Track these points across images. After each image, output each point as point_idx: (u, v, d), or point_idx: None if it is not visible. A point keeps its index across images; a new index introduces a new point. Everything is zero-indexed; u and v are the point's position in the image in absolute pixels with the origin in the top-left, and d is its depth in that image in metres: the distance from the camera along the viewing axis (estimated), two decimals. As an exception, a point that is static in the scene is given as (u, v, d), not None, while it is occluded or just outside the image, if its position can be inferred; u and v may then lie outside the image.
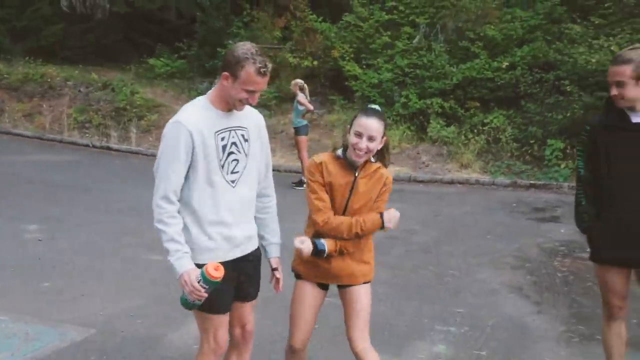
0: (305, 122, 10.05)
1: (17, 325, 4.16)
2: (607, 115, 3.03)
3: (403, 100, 12.54)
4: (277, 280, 2.89)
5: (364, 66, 13.50)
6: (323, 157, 2.86)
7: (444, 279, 5.51)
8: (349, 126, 2.81)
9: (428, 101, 12.32)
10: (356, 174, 2.81)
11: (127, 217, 7.29)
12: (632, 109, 2.91)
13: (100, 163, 11.36)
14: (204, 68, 15.35)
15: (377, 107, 2.86)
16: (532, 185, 10.26)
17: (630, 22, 11.73)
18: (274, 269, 2.87)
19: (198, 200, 2.56)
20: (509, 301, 5.02)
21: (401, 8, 14.12)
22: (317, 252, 2.76)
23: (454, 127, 12.08)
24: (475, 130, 11.82)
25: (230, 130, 2.61)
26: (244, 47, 2.50)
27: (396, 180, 10.70)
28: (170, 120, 2.58)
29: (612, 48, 10.58)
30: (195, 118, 2.54)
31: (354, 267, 2.87)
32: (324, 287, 2.95)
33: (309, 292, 2.89)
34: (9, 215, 7.15)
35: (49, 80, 14.97)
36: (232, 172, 2.62)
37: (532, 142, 11.31)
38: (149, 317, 4.40)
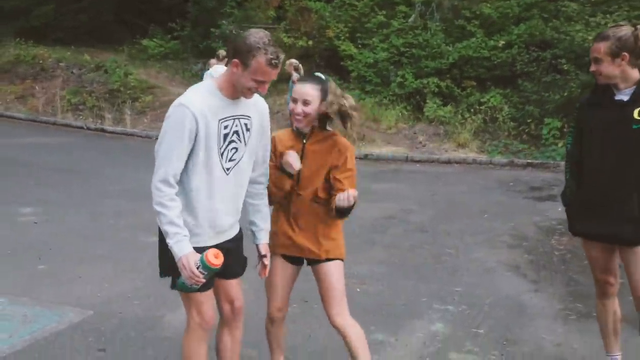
0: (300, 102, 10.01)
1: (14, 307, 4.16)
2: (594, 93, 3.06)
3: (399, 79, 12.50)
4: (265, 266, 2.89)
5: (360, 46, 13.42)
6: (279, 131, 2.98)
7: (441, 258, 5.53)
8: None
9: (424, 81, 12.28)
10: (304, 141, 2.84)
11: (123, 199, 7.27)
12: (617, 86, 2.92)
13: (95, 145, 11.31)
14: (198, 49, 15.24)
15: (319, 74, 2.91)
16: (529, 164, 10.28)
17: (628, -1, 11.69)
18: (263, 256, 2.86)
19: (196, 186, 2.55)
20: (506, 280, 5.04)
21: (397, -14, 14.03)
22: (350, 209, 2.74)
23: (451, 106, 12.07)
24: (472, 110, 11.81)
25: (234, 119, 2.58)
26: (257, 36, 2.44)
27: (393, 160, 10.76)
28: (175, 102, 2.52)
29: (609, 26, 10.54)
30: (201, 102, 2.49)
31: (316, 241, 2.89)
32: (293, 261, 2.98)
33: (275, 265, 2.95)
34: (4, 198, 7.11)
35: (40, 61, 14.85)
36: (230, 160, 2.60)
37: (529, 121, 11.32)
38: (147, 298, 4.41)
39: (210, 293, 2.73)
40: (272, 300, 3.02)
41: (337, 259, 2.95)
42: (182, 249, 2.49)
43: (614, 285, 3.18)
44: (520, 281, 5.02)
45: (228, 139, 2.56)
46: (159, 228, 2.61)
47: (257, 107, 2.68)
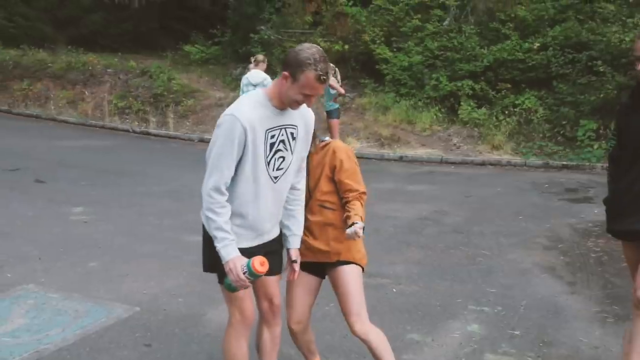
0: (337, 105, 10.01)
1: (67, 302, 4.28)
2: (632, 95, 2.98)
3: (434, 82, 12.39)
4: (294, 271, 2.86)
5: (395, 49, 13.34)
6: None
7: (476, 259, 5.46)
8: None
9: (459, 83, 12.14)
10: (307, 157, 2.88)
11: (167, 199, 7.40)
12: None
13: (140, 148, 11.53)
14: (238, 54, 15.38)
15: None
16: (564, 166, 10.07)
17: (667, -1, 11.32)
18: (293, 261, 2.85)
19: (242, 193, 2.58)
20: (541, 281, 4.95)
21: (431, -10, 13.88)
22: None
23: (485, 108, 11.90)
24: (507, 112, 11.63)
25: (281, 129, 2.60)
26: (309, 52, 2.46)
27: (427, 161, 10.65)
28: (227, 111, 2.55)
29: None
30: (250, 112, 2.52)
31: (327, 245, 2.89)
32: (313, 271, 2.97)
33: (303, 276, 2.93)
34: (56, 198, 7.32)
35: (90, 68, 15.21)
36: (277, 169, 2.63)
37: (564, 123, 11.08)
38: (190, 296, 4.48)
39: (251, 291, 2.76)
40: (291, 312, 3.00)
41: (352, 264, 2.90)
42: (229, 252, 2.54)
43: None
44: (556, 283, 4.91)
45: (275, 148, 2.59)
46: (203, 227, 2.66)
47: (303, 115, 2.69)
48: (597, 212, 6.98)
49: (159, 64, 15.21)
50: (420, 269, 5.18)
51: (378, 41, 13.44)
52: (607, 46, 11.07)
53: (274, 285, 2.87)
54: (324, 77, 2.45)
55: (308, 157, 2.86)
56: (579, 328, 4.05)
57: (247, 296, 2.74)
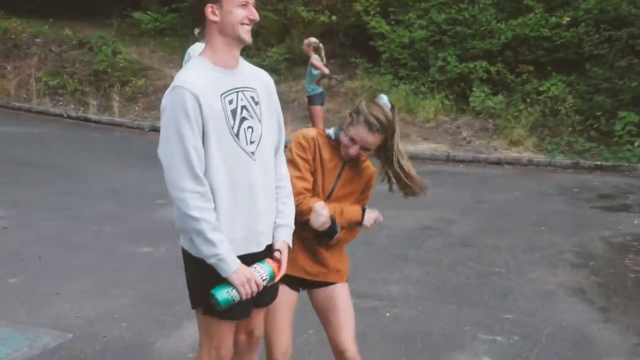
0: (320, 89, 10.03)
1: (-21, 327, 4.23)
2: None
3: (440, 63, 12.48)
4: (277, 263, 2.69)
5: (393, 22, 13.42)
6: (313, 132, 3.05)
7: (488, 279, 5.51)
8: (349, 116, 2.95)
9: (470, 65, 12.24)
10: (345, 159, 3.01)
11: (108, 201, 7.36)
12: None
13: (76, 137, 11.45)
14: (200, 23, 15.35)
15: (386, 102, 2.97)
16: (597, 167, 10.20)
17: None
18: (274, 250, 2.69)
19: (217, 184, 2.52)
20: (568, 306, 4.99)
21: (439, -49, 13.99)
22: (330, 232, 2.90)
23: (502, 96, 12.02)
24: (528, 100, 11.75)
25: (237, 92, 2.59)
26: None
27: (431, 159, 10.73)
28: (168, 89, 2.53)
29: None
30: (198, 80, 2.51)
31: (342, 264, 3.13)
32: (294, 287, 3.04)
33: (283, 292, 2.93)
34: (-31, 199, 7.25)
35: (13, 36, 15.06)
36: (251, 142, 2.59)
37: (598, 114, 11.22)
38: (136, 320, 4.44)
39: (233, 327, 2.70)
40: (276, 342, 2.99)
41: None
42: (236, 260, 2.50)
43: None
44: (585, 308, 4.97)
45: (238, 116, 2.56)
46: (184, 250, 2.59)
47: (259, 78, 2.71)
48: (638, 223, 7.09)
49: (101, 34, 15.12)
50: (420, 289, 5.21)
51: (372, 12, 13.50)
52: (653, 22, 11.28)
53: (260, 317, 2.84)
54: None
55: (342, 166, 2.99)
56: (612, 363, 4.11)
57: (231, 332, 2.68)
